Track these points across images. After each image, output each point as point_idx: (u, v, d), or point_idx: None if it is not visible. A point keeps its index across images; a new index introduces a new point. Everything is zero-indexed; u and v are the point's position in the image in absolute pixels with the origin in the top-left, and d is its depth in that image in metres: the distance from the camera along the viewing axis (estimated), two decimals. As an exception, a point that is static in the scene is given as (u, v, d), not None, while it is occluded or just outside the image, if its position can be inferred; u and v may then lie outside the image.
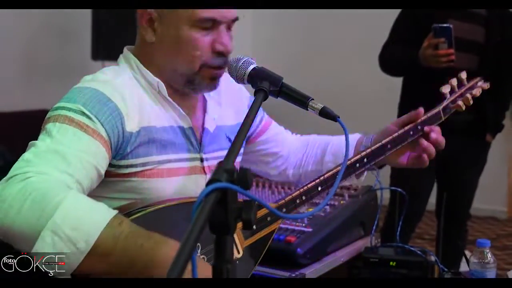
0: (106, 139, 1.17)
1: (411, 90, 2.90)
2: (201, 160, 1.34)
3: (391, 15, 2.90)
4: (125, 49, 1.35)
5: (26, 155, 1.10)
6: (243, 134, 0.96)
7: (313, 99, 1.20)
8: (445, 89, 1.43)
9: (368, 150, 1.41)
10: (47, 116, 1.19)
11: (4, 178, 1.06)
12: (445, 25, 2.54)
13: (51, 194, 1.02)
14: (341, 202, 1.76)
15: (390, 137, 1.43)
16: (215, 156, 1.37)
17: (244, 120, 1.01)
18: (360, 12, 4.83)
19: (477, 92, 1.46)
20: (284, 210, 1.31)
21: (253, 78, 1.20)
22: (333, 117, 1.17)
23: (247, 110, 1.45)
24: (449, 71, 2.62)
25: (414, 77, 2.79)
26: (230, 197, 0.77)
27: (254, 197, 0.80)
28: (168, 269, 0.68)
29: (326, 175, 1.37)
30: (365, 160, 1.41)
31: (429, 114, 1.43)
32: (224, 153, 1.33)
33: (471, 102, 1.45)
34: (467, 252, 2.30)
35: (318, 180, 1.36)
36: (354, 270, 1.68)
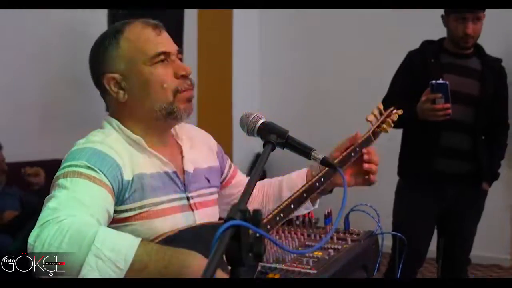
0: (110, 187, 1.34)
1: (410, 141, 3.03)
2: (187, 199, 1.50)
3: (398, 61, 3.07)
4: (106, 115, 1.52)
5: (50, 205, 1.24)
6: (255, 179, 1.10)
7: (315, 150, 1.36)
8: (370, 118, 1.72)
9: (320, 174, 1.55)
10: (56, 175, 1.34)
11: (36, 226, 1.20)
12: (441, 81, 2.68)
13: (85, 228, 1.18)
14: (344, 246, 1.85)
15: (337, 159, 1.61)
16: (198, 194, 1.53)
17: (255, 168, 1.15)
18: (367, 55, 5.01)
19: (394, 117, 1.76)
20: (268, 226, 1.43)
21: (262, 132, 1.36)
22: (333, 167, 1.34)
23: (214, 155, 1.66)
24: (445, 123, 2.77)
25: (413, 129, 2.92)
26: (243, 233, 0.90)
27: (265, 234, 0.92)
28: None
29: (295, 194, 1.50)
30: (322, 180, 1.55)
31: (363, 139, 1.67)
32: (204, 191, 1.56)
33: (392, 125, 1.75)
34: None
35: (290, 199, 1.49)
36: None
